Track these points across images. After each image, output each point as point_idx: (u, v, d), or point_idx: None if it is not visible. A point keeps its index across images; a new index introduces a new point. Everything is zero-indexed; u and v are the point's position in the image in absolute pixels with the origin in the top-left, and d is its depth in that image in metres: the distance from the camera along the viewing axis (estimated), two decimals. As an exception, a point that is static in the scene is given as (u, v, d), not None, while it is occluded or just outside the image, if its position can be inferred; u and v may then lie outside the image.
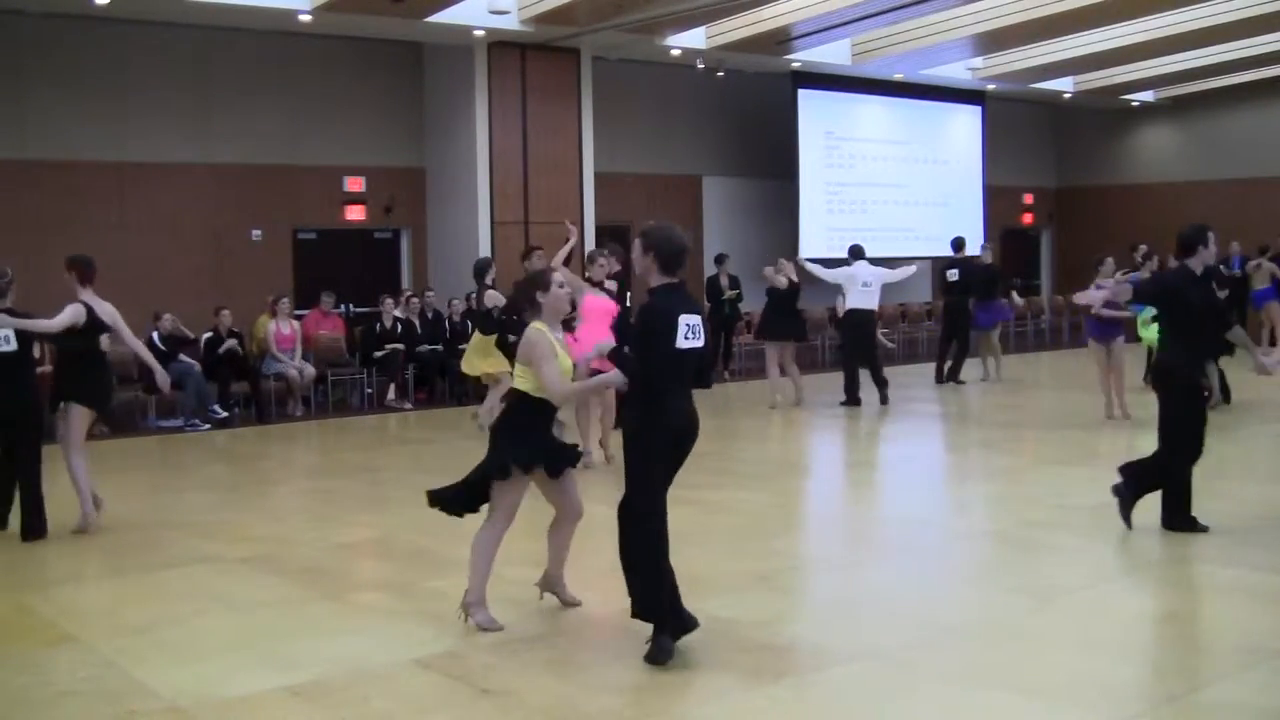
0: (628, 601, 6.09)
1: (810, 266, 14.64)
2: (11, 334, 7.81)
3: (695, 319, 5.42)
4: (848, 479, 10.88)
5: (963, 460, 11.53)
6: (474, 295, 12.59)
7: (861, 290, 14.06)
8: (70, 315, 7.92)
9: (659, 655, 5.28)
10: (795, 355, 14.24)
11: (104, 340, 8.28)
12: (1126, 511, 7.48)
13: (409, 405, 14.89)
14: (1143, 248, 14.92)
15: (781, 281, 13.94)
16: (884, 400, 13.93)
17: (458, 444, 12.73)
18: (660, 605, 5.35)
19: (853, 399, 13.94)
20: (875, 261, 14.65)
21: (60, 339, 8.08)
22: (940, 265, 21.70)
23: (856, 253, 14.37)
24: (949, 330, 16.36)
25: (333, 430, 13.64)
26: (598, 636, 5.88)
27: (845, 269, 14.27)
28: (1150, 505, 7.72)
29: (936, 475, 10.93)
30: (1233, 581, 6.58)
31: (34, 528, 7.84)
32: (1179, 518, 7.41)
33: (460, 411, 14.67)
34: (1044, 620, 5.96)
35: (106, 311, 8.14)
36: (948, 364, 16.13)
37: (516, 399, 5.87)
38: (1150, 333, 13.53)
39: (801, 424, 13.16)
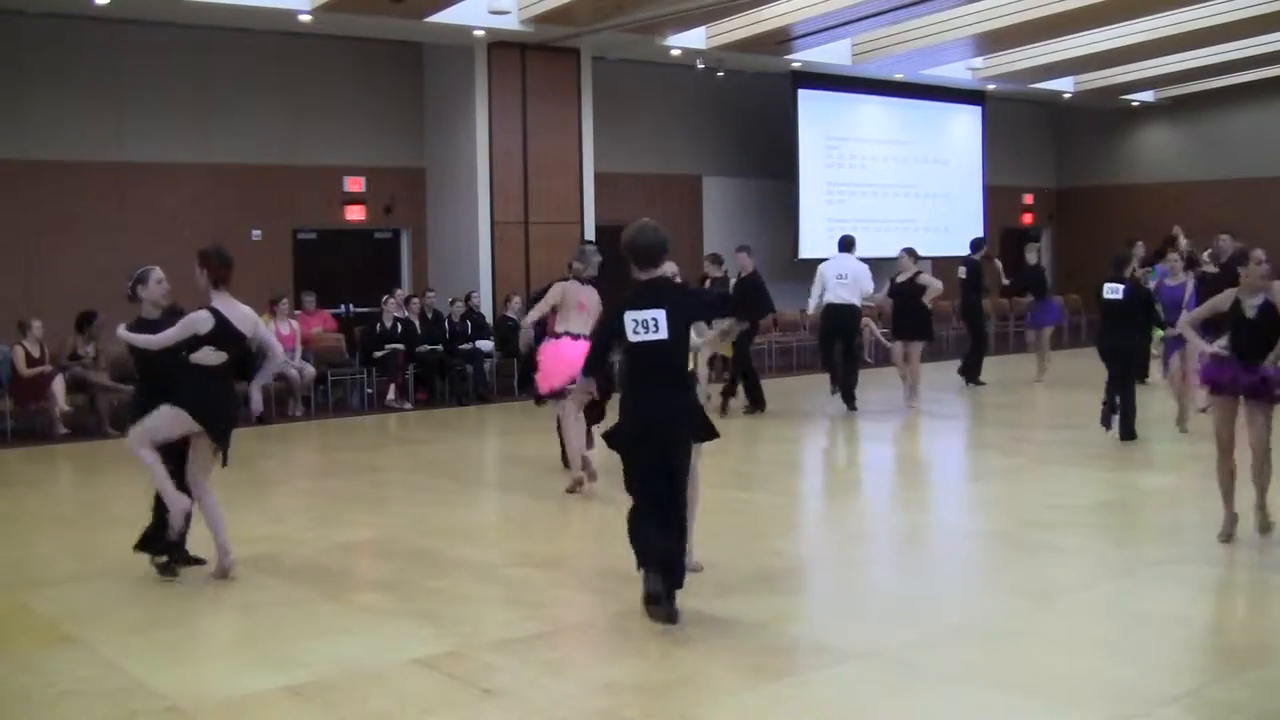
0: (627, 603, 6.14)
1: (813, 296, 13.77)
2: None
3: (647, 313, 5.69)
4: (848, 479, 10.88)
5: (963, 460, 11.54)
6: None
7: (838, 283, 13.32)
8: (182, 329, 6.65)
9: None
10: (921, 353, 13.87)
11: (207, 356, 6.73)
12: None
13: (409, 405, 14.89)
14: (1139, 245, 14.88)
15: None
16: (851, 406, 13.41)
17: (458, 444, 12.76)
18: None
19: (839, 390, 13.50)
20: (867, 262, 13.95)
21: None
22: (941, 266, 21.79)
23: (844, 245, 13.65)
24: (968, 329, 16.36)
25: (333, 430, 13.63)
26: (598, 636, 5.88)
27: (822, 264, 13.69)
28: (1149, 504, 7.72)
29: (936, 475, 10.93)
30: (1233, 581, 6.58)
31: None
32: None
33: (460, 412, 14.70)
34: (1044, 620, 5.96)
35: (243, 315, 6.83)
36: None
37: None
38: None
39: (802, 424, 13.15)
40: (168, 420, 6.70)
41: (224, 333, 6.70)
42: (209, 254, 6.81)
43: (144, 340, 6.68)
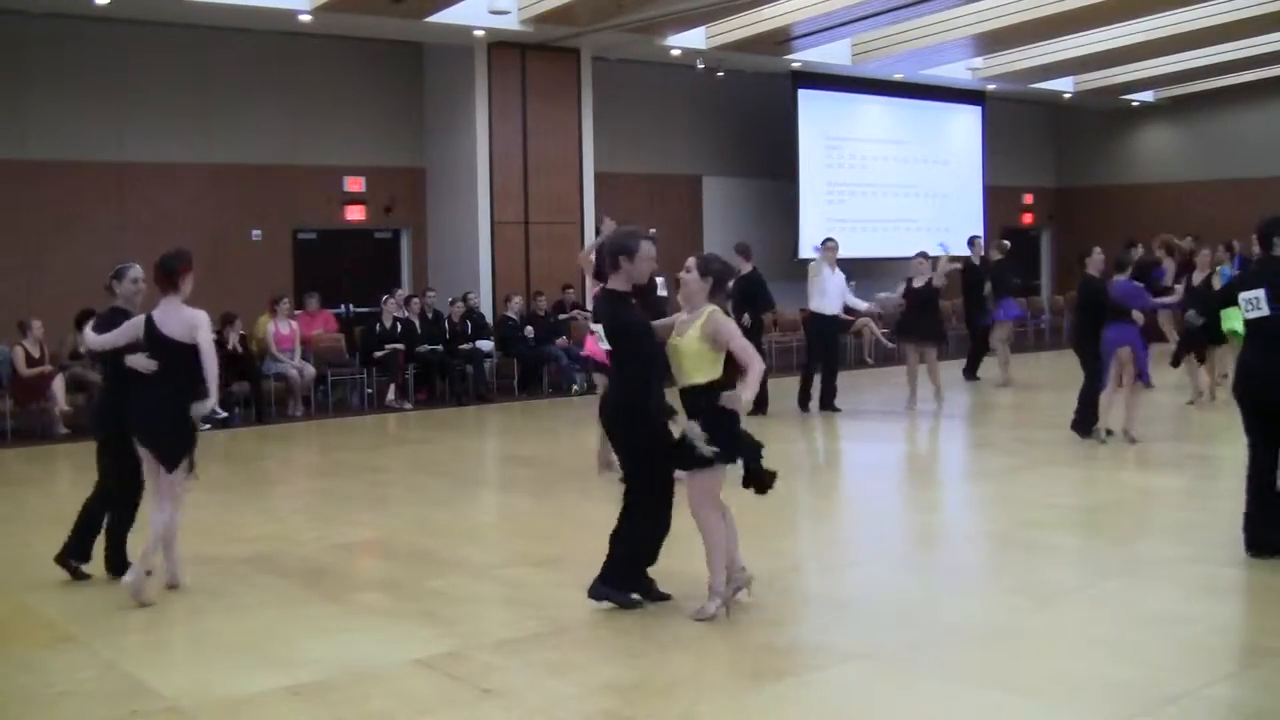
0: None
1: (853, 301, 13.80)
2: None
3: (597, 325, 6.25)
4: (847, 479, 10.88)
5: (962, 461, 11.54)
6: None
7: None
8: (121, 334, 6.65)
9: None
10: (938, 356, 13.84)
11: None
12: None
13: (409, 405, 14.89)
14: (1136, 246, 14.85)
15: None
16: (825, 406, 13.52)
17: (458, 444, 12.76)
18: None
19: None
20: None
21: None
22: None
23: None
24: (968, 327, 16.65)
25: (333, 430, 13.63)
26: (598, 636, 5.87)
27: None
28: (1149, 504, 7.72)
29: (935, 475, 10.93)
30: (1233, 581, 6.58)
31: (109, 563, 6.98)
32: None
33: (460, 412, 14.70)
34: (1044, 620, 5.96)
35: (179, 321, 6.50)
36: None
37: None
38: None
39: (797, 425, 13.15)
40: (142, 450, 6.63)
41: (151, 338, 6.51)
42: (161, 259, 6.66)
43: (94, 340, 6.78)
